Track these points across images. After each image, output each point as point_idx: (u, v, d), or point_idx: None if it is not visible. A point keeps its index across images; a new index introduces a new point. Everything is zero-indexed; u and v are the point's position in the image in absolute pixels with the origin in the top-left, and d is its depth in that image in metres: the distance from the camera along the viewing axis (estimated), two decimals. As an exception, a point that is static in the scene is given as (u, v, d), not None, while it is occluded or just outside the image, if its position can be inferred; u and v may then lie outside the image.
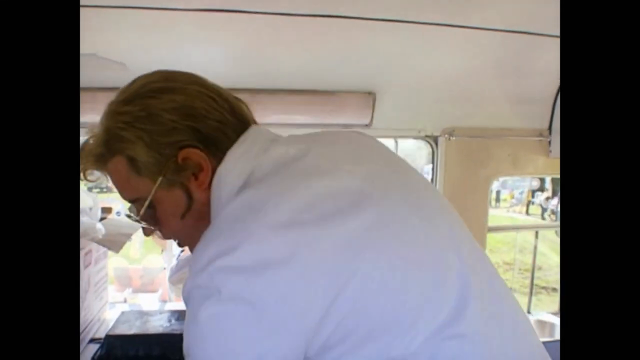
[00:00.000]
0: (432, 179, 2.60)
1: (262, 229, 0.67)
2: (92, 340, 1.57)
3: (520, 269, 7.48)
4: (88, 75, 1.94)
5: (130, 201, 0.83)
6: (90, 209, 1.65)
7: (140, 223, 0.85)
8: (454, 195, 2.55)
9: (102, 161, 0.82)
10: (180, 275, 1.81)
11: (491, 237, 2.84)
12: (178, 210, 0.82)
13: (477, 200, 2.61)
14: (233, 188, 0.76)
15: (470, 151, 2.51)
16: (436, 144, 2.45)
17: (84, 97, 1.98)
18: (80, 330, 1.49)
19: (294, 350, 0.69)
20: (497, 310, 0.81)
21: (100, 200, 1.72)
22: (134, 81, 0.82)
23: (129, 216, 0.84)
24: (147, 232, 0.88)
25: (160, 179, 0.78)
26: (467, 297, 0.75)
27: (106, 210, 1.84)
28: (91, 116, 2.00)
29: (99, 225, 1.49)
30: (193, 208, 0.81)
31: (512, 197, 15.02)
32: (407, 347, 0.71)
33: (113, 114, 0.80)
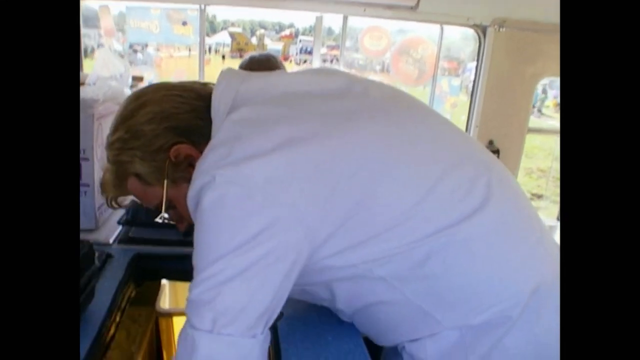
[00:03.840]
0: (475, 74, 2.49)
1: (251, 134, 0.76)
2: (118, 207, 1.59)
3: (554, 177, 7.35)
4: None
5: (155, 208, 0.93)
6: (121, 75, 1.62)
7: (173, 222, 0.97)
8: (497, 92, 2.44)
9: (120, 187, 0.93)
10: None
11: (528, 142, 2.75)
12: None
13: (521, 99, 2.50)
14: (223, 112, 0.83)
15: (519, 45, 2.36)
16: (484, 35, 2.31)
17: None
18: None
19: (291, 233, 0.74)
20: (511, 216, 0.85)
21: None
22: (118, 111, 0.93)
23: (163, 219, 0.95)
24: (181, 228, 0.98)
25: (165, 181, 0.88)
26: (483, 199, 0.81)
27: (137, 79, 1.81)
28: None
29: (127, 90, 1.46)
30: None
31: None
32: (411, 238, 0.78)
33: (109, 145, 0.91)
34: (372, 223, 0.78)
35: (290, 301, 0.79)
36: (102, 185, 0.96)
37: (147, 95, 0.90)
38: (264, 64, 1.90)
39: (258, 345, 0.76)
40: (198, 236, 0.76)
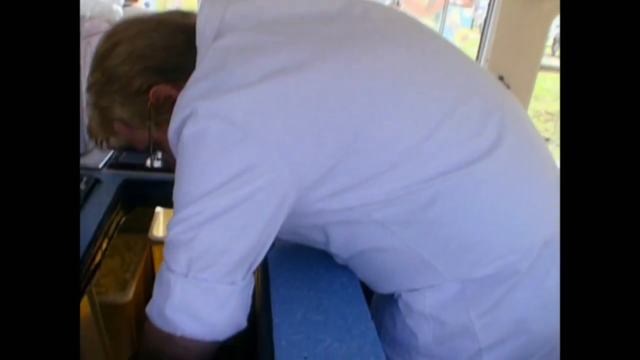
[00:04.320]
0: (489, 4, 2.37)
1: (236, 64, 0.69)
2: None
3: (562, 121, 7.21)
4: None
5: (145, 151, 0.87)
6: (112, -7, 1.53)
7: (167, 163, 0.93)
8: (511, 25, 2.34)
9: (107, 130, 0.87)
10: None
11: (538, 84, 2.66)
12: None
13: (535, 35, 2.39)
14: (209, 38, 0.76)
15: (537, -24, 2.24)
16: (499, -37, 2.19)
17: None
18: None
19: (277, 173, 0.68)
20: (525, 159, 0.78)
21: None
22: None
23: (153, 161, 0.92)
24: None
25: (148, 124, 0.81)
26: (496, 138, 0.74)
27: (131, -2, 1.72)
28: None
29: (116, 7, 1.37)
30: None
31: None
32: (416, 179, 0.72)
33: (87, 89, 0.84)
34: (371, 162, 0.71)
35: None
36: (89, 129, 0.89)
37: (120, 33, 0.81)
38: None
39: (237, 293, 0.72)
40: (178, 173, 0.70)
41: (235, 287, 0.71)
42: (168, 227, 0.70)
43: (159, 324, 0.72)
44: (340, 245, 0.84)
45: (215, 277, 0.70)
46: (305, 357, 0.72)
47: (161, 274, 0.72)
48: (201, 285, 0.70)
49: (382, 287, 0.90)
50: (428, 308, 0.82)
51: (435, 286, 0.81)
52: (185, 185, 0.69)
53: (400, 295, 0.86)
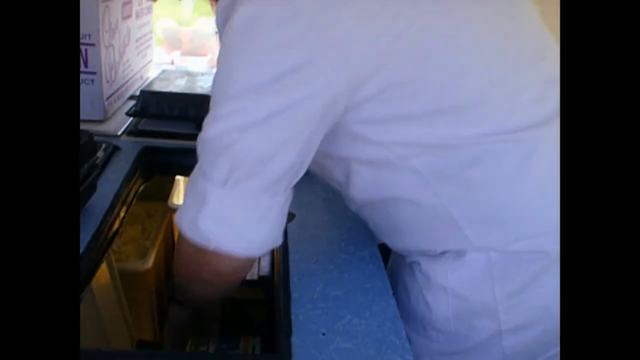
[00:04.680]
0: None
1: None
2: (132, 97, 1.52)
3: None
4: None
5: None
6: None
7: None
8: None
9: None
10: None
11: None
12: None
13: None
14: None
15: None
16: None
17: None
18: (119, 86, 1.43)
19: (333, 77, 0.61)
20: None
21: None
22: None
23: None
24: None
25: None
26: (555, 110, 0.70)
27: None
28: None
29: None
30: None
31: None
32: (468, 132, 0.67)
33: None
34: (426, 98, 0.65)
35: (301, 203, 0.72)
36: None
37: None
38: None
39: (279, 205, 0.66)
40: (221, 61, 0.62)
41: (278, 199, 0.65)
42: (203, 126, 0.63)
43: (190, 235, 0.66)
44: (361, 188, 0.77)
45: (258, 188, 0.63)
46: (323, 334, 0.70)
47: (195, 180, 0.66)
48: (242, 196, 0.63)
49: (397, 242, 0.85)
50: (450, 282, 0.77)
51: (459, 259, 0.77)
52: (228, 76, 0.61)
53: (418, 264, 0.81)
